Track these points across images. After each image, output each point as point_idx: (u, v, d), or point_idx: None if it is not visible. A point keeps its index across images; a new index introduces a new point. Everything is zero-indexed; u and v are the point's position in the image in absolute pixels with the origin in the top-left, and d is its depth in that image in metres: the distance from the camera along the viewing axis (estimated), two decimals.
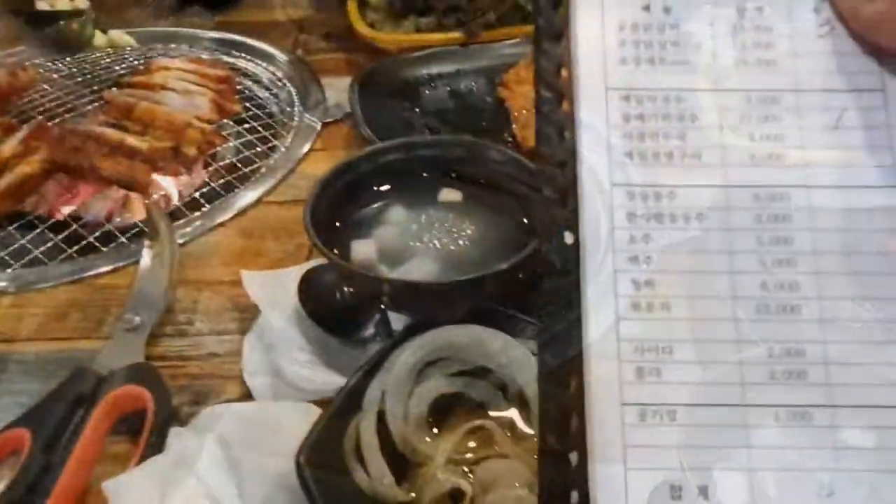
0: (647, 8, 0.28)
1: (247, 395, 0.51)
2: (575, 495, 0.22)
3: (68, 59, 0.91)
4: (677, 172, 0.26)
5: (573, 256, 0.25)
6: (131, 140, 0.69)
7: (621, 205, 0.26)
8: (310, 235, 0.51)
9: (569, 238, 0.25)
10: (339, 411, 0.42)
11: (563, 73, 0.27)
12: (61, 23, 0.92)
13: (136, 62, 0.92)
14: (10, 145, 0.69)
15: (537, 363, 0.25)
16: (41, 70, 0.89)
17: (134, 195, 0.70)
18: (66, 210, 0.70)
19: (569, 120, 0.26)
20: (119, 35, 0.96)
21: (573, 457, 0.23)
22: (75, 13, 0.95)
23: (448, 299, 0.50)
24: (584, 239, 0.25)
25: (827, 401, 0.23)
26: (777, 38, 0.27)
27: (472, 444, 0.44)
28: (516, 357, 0.46)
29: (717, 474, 0.23)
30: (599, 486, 0.23)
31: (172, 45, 1.00)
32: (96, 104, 0.80)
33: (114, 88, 0.81)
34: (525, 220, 0.58)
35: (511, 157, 0.58)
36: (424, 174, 0.62)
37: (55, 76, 0.87)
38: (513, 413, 0.46)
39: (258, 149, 0.80)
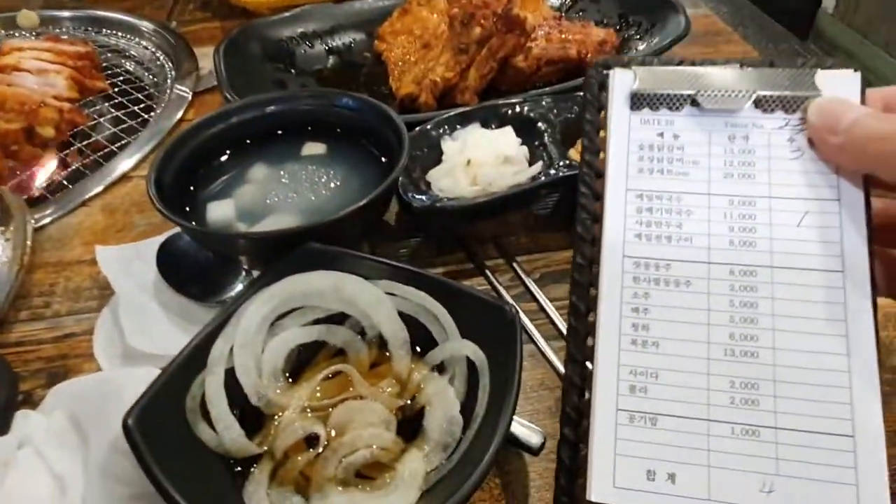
0: (661, 134, 0.38)
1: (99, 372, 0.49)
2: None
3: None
4: (673, 250, 0.36)
5: (594, 303, 0.36)
6: None
7: (630, 270, 0.36)
8: (152, 200, 0.49)
9: (592, 291, 0.36)
10: (178, 371, 0.40)
11: (598, 180, 0.38)
12: None
13: None
14: None
15: (564, 379, 0.36)
16: None
17: None
18: None
19: (600, 211, 0.37)
20: None
21: (582, 447, 0.34)
22: None
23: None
24: (601, 291, 0.36)
25: (773, 423, 0.32)
26: (757, 159, 0.37)
27: (332, 389, 0.43)
28: (371, 299, 0.45)
29: (683, 467, 0.32)
30: (595, 467, 0.33)
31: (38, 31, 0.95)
32: None
33: None
34: (384, 160, 0.57)
35: (367, 103, 0.57)
36: (281, 131, 0.60)
37: None
38: (373, 354, 0.45)
39: (128, 124, 0.77)
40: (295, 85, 0.78)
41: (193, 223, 0.51)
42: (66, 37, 0.87)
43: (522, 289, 0.54)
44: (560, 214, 0.59)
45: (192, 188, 0.55)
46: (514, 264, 0.56)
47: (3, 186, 0.64)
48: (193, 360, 0.41)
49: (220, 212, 0.54)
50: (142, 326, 0.48)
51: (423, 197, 0.55)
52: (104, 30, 0.95)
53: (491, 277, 0.55)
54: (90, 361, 0.50)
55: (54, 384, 0.48)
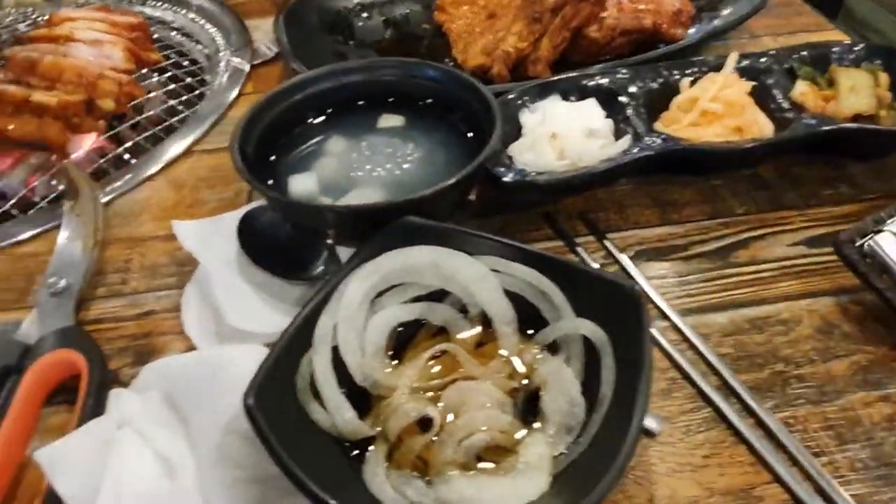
0: None
1: (191, 348, 0.47)
2: None
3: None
4: None
5: None
6: (38, 96, 0.63)
7: None
8: (240, 172, 0.47)
9: None
10: (286, 349, 0.38)
11: None
12: None
13: (42, 17, 0.85)
14: None
15: None
16: None
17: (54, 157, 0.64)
18: None
19: None
20: None
21: None
22: None
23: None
24: None
25: None
26: None
27: (436, 369, 0.41)
28: (474, 275, 0.43)
29: None
30: None
31: (81, 1, 0.92)
32: None
33: (15, 46, 0.74)
34: (470, 135, 0.54)
35: (450, 74, 0.55)
36: (360, 102, 0.58)
37: None
38: (477, 333, 0.43)
39: (185, 98, 0.75)
40: (355, 57, 0.75)
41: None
42: (113, 6, 0.84)
43: (617, 267, 0.52)
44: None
45: (272, 159, 0.53)
46: (606, 241, 0.53)
47: (68, 160, 0.62)
48: (299, 337, 0.40)
49: (302, 185, 0.52)
50: (235, 303, 0.46)
51: (512, 171, 0.53)
52: (149, 1, 0.92)
53: (583, 255, 0.52)
54: (176, 339, 0.48)
55: (141, 363, 0.47)
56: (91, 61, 0.69)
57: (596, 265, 0.52)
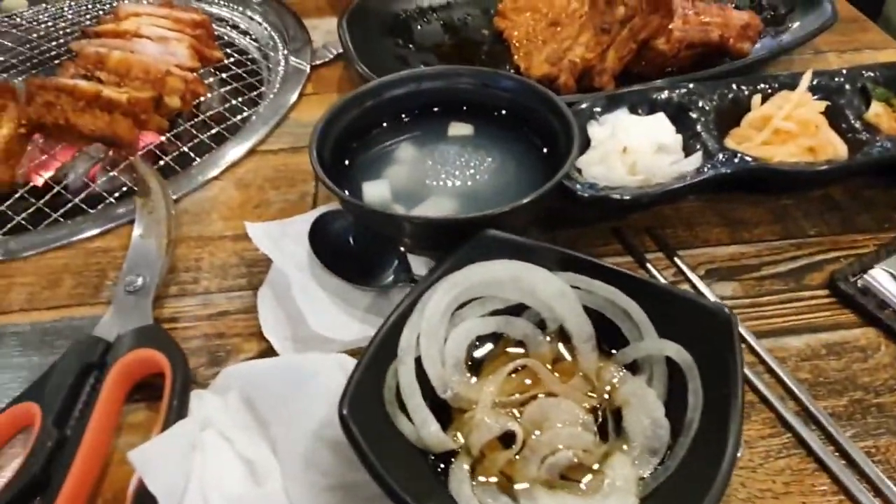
0: None
1: (266, 352, 0.48)
2: None
3: (29, 12, 0.84)
4: None
5: None
6: (109, 92, 0.64)
7: None
8: (320, 177, 0.47)
9: None
10: (373, 360, 0.39)
11: None
12: None
13: (101, 10, 0.86)
14: None
15: None
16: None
17: (117, 152, 0.65)
18: (46, 175, 0.66)
19: None
20: None
21: None
22: None
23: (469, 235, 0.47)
24: None
25: None
26: None
27: (516, 384, 0.41)
28: (554, 291, 0.43)
29: None
30: None
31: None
32: (64, 57, 0.73)
33: (82, 39, 0.75)
34: (542, 146, 0.54)
35: (526, 85, 0.55)
36: (432, 108, 0.58)
37: (13, 30, 0.80)
38: (554, 349, 0.43)
39: (245, 96, 0.75)
40: (416, 61, 0.76)
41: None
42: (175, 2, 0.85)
43: (688, 286, 0.51)
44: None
45: (345, 163, 0.54)
46: (676, 258, 0.53)
47: (137, 157, 0.63)
48: (384, 348, 0.40)
49: (376, 192, 0.52)
50: (314, 308, 0.46)
51: (586, 186, 0.53)
52: None
53: (654, 271, 0.52)
54: (250, 341, 0.49)
55: (216, 363, 0.48)
56: (157, 58, 0.70)
57: (665, 282, 0.52)
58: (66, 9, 0.88)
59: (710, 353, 0.38)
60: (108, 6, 0.85)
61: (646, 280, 0.43)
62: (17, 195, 0.62)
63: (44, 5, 0.87)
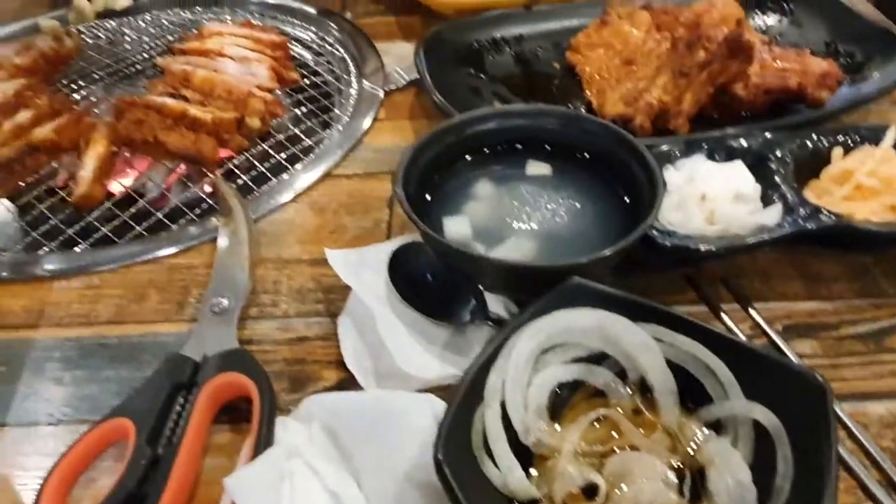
0: None
1: (345, 381, 0.49)
2: None
3: (114, 23, 0.87)
4: None
5: None
6: (195, 111, 0.66)
7: None
8: (408, 215, 0.48)
9: None
10: (462, 403, 0.39)
11: None
12: None
13: (183, 27, 0.89)
14: (59, 122, 0.65)
15: None
16: (85, 37, 0.85)
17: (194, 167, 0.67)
18: (125, 183, 0.68)
19: None
20: None
21: None
22: None
23: (554, 282, 0.47)
24: None
25: None
26: None
27: (598, 434, 0.42)
28: (637, 342, 0.43)
29: None
30: None
31: (215, 8, 0.96)
32: (149, 72, 0.76)
33: (167, 55, 0.77)
34: (625, 198, 0.55)
35: (612, 132, 0.55)
36: (511, 145, 0.59)
37: (101, 43, 0.83)
38: (635, 401, 0.43)
39: (318, 118, 0.77)
40: (488, 91, 0.77)
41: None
42: (256, 21, 0.87)
43: (765, 340, 0.51)
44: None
45: (427, 197, 0.55)
46: (753, 311, 0.53)
47: (219, 176, 0.65)
48: (471, 392, 0.40)
49: (456, 228, 0.53)
50: (398, 343, 0.47)
51: (665, 234, 0.53)
52: (278, 15, 0.95)
53: (730, 324, 0.52)
54: (328, 369, 0.50)
55: (296, 389, 0.49)
56: (239, 78, 0.72)
57: (742, 336, 0.51)
58: (150, 23, 0.91)
59: (800, 419, 0.38)
60: (192, 23, 0.87)
61: (731, 338, 0.43)
62: (103, 206, 0.64)
63: (127, 18, 0.90)
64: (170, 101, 0.67)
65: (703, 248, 0.51)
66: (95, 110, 0.72)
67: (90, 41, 0.86)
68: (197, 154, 0.65)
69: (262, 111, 0.70)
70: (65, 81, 0.77)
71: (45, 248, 0.61)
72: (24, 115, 0.64)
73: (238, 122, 0.68)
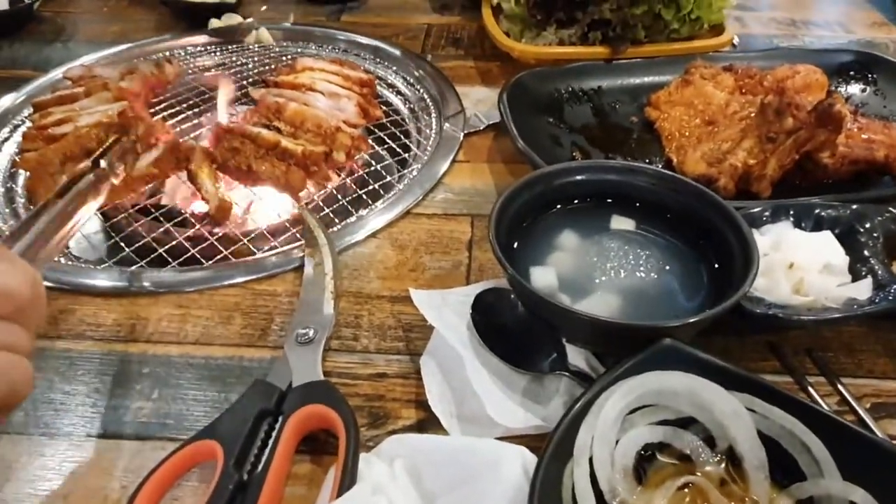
0: None
1: (424, 421, 0.49)
2: None
3: (216, 53, 0.92)
4: None
5: None
6: (286, 143, 0.68)
7: None
8: (501, 262, 0.49)
9: None
10: (553, 458, 0.39)
11: None
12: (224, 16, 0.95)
13: (275, 60, 0.93)
14: (157, 156, 0.68)
15: None
16: (184, 63, 0.90)
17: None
18: (196, 207, 0.71)
19: None
20: (264, 32, 0.96)
21: None
22: (224, 6, 0.96)
23: (641, 341, 0.47)
24: None
25: None
26: None
27: (683, 500, 0.41)
28: (729, 410, 0.43)
29: None
30: None
31: (301, 43, 1.00)
32: (242, 101, 0.79)
33: (260, 87, 0.81)
34: (712, 261, 0.54)
35: (703, 194, 0.55)
36: (598, 198, 0.59)
37: (200, 71, 0.87)
38: (723, 470, 0.43)
39: (398, 157, 0.79)
40: (567, 141, 0.78)
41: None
42: (344, 58, 0.90)
43: (853, 417, 0.50)
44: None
45: (514, 246, 0.55)
46: (840, 386, 0.52)
47: (304, 207, 0.67)
48: (561, 446, 0.40)
49: (543, 278, 0.53)
50: (485, 390, 0.48)
51: (755, 301, 0.52)
52: (364, 54, 0.98)
53: (816, 397, 0.51)
54: (408, 408, 0.50)
55: (376, 426, 0.49)
56: (328, 112, 0.75)
57: (827, 409, 0.50)
58: (249, 55, 0.95)
59: None
60: (285, 57, 0.92)
61: (830, 415, 0.42)
62: (194, 228, 0.67)
63: (231, 46, 0.95)
64: (264, 132, 0.69)
65: (795, 318, 0.50)
66: (189, 136, 0.75)
67: (188, 69, 0.91)
68: (286, 184, 0.67)
69: (349, 146, 0.72)
70: (163, 105, 0.81)
71: (137, 264, 0.63)
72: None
73: (326, 156, 0.70)
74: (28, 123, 0.78)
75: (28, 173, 0.69)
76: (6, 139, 0.81)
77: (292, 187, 0.67)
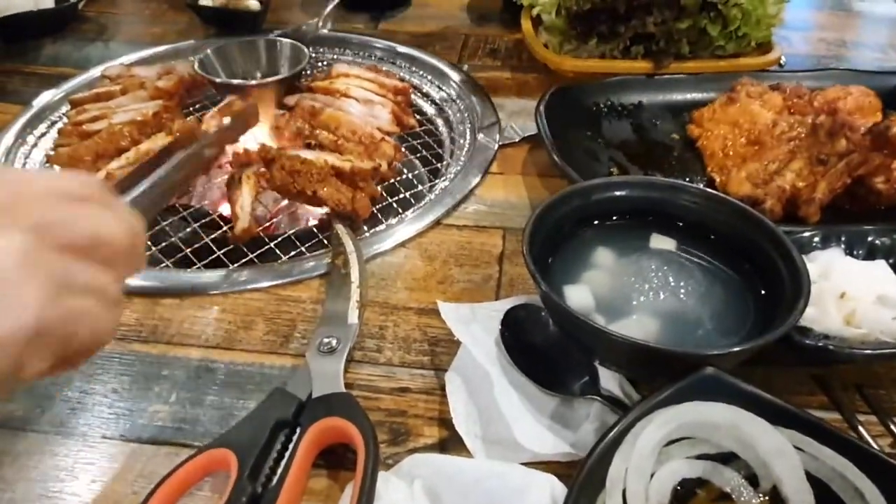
0: None
1: (447, 440, 0.47)
2: None
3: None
4: None
5: None
6: (334, 160, 0.66)
7: None
8: (534, 278, 0.47)
9: None
10: (584, 487, 0.37)
11: None
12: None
13: (313, 67, 0.92)
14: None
15: None
16: None
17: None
18: (224, 209, 0.70)
19: None
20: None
21: None
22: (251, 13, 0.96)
23: (681, 368, 0.45)
24: None
25: None
26: None
27: None
28: (774, 448, 0.40)
29: None
30: None
31: (337, 49, 1.00)
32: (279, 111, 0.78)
33: (296, 93, 0.80)
34: (758, 286, 0.51)
35: (750, 216, 0.53)
36: (637, 216, 0.57)
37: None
38: None
39: (431, 166, 0.77)
40: (604, 156, 0.75)
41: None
42: (381, 66, 0.90)
43: None
44: None
45: (549, 261, 0.53)
46: (893, 426, 0.48)
47: (335, 217, 0.65)
48: (592, 475, 0.38)
49: (579, 297, 0.51)
50: (513, 413, 0.45)
51: (806, 334, 0.49)
52: (400, 62, 0.97)
53: (867, 437, 0.48)
54: (430, 425, 0.48)
55: (396, 442, 0.47)
56: (362, 118, 0.74)
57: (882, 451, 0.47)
58: None
59: None
60: (321, 64, 0.91)
61: (888, 459, 0.39)
62: (221, 230, 0.66)
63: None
64: (310, 156, 0.66)
65: (847, 352, 0.47)
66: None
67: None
68: (353, 212, 0.65)
69: (392, 157, 0.70)
70: (197, 106, 0.81)
71: (162, 264, 0.63)
72: (161, 141, 0.67)
73: (374, 171, 0.68)
74: (65, 120, 0.79)
75: (60, 169, 0.69)
76: (43, 134, 0.81)
77: (359, 215, 0.65)
